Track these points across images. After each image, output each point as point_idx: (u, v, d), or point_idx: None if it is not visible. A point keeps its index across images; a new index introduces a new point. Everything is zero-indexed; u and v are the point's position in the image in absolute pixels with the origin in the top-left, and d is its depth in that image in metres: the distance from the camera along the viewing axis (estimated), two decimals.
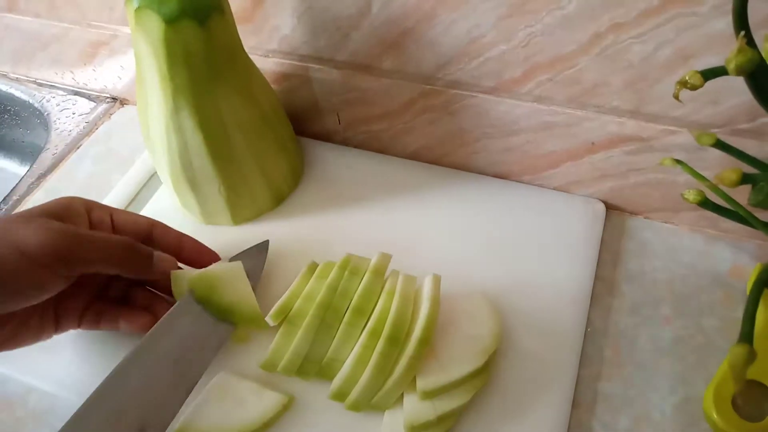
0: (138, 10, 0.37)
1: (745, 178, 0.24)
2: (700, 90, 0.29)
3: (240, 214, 0.47)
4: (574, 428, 0.36)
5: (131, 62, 0.41)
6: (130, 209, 0.51)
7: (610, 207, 0.47)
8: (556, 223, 0.45)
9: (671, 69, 0.36)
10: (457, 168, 0.50)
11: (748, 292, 0.40)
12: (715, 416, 0.34)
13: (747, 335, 0.26)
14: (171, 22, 0.37)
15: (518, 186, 0.48)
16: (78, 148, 0.57)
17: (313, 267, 0.42)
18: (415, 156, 0.51)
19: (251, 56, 0.44)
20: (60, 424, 0.31)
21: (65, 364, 0.41)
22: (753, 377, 0.36)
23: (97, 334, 0.42)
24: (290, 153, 0.48)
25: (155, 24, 0.37)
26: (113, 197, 0.51)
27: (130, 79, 0.59)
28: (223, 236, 0.47)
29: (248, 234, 0.47)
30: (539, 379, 0.37)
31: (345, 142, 0.53)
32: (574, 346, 0.39)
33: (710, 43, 0.34)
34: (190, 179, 0.44)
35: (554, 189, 0.48)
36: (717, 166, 0.40)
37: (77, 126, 0.60)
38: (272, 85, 0.49)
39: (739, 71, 0.22)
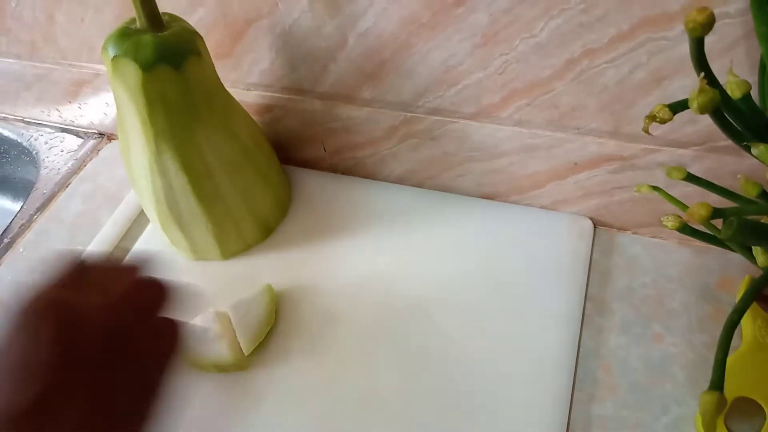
0: (114, 58, 0.37)
1: (714, 213, 0.24)
2: None
3: (228, 249, 0.47)
4: None
5: None
6: (120, 247, 0.51)
7: (598, 223, 0.47)
8: (545, 241, 0.46)
9: (646, 91, 0.37)
10: (444, 190, 0.50)
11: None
12: None
13: (717, 382, 0.26)
14: (147, 68, 0.37)
15: (506, 206, 0.48)
16: (67, 186, 0.58)
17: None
18: (401, 180, 0.51)
19: (232, 90, 0.45)
20: None
21: None
22: (744, 394, 0.36)
23: None
24: (275, 185, 0.48)
25: (132, 71, 0.37)
26: (103, 236, 0.51)
27: (116, 115, 0.59)
28: (213, 271, 0.47)
29: (238, 268, 0.47)
30: (532, 403, 0.38)
31: (332, 169, 0.54)
32: (566, 369, 0.39)
33: (682, 65, 0.35)
34: (176, 218, 0.44)
35: (542, 208, 0.48)
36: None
37: (66, 164, 0.60)
38: (255, 117, 0.49)
39: (702, 110, 0.22)
